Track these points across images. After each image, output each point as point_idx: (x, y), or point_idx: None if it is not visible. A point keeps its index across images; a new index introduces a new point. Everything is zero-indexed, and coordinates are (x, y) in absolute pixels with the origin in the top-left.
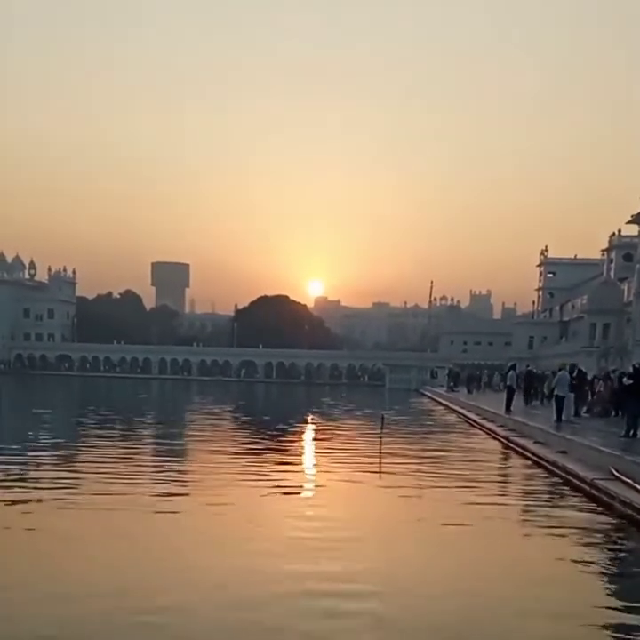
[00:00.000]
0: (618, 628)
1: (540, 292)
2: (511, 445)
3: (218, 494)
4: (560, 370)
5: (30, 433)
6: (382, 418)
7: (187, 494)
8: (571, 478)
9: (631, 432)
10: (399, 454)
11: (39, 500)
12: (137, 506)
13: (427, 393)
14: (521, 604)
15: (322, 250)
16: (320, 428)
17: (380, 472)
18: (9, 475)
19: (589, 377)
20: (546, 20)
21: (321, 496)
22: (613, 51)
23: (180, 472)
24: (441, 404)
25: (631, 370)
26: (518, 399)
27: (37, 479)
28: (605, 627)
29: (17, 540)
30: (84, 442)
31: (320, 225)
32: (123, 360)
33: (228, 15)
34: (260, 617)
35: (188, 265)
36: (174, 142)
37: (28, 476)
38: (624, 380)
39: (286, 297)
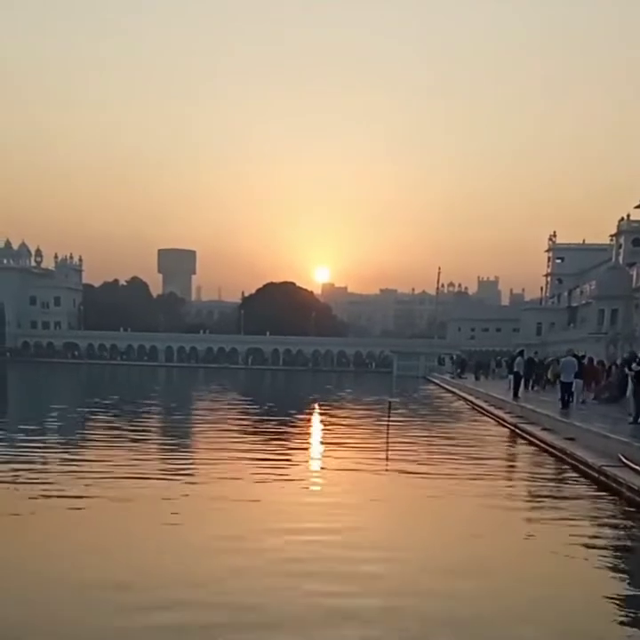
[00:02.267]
0: (622, 615)
1: (549, 278)
2: (519, 432)
3: (221, 481)
4: (567, 355)
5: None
6: (389, 405)
7: (193, 483)
8: (579, 465)
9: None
10: (406, 441)
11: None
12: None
13: (435, 380)
14: (525, 588)
15: (329, 236)
16: (327, 414)
17: (386, 459)
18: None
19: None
20: (555, 8)
21: (327, 482)
22: (624, 34)
23: (186, 462)
24: (449, 390)
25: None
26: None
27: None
28: (610, 613)
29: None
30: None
31: (327, 211)
32: (129, 348)
33: (232, 4)
34: None
35: (194, 252)
36: (180, 130)
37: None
38: (633, 365)
39: (293, 284)
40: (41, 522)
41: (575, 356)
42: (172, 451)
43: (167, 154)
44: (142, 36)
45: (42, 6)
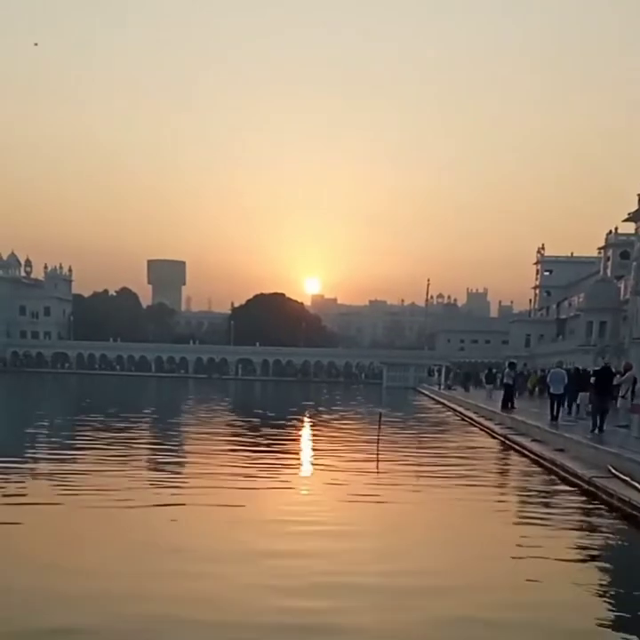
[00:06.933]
0: (613, 623)
1: (537, 290)
2: (509, 443)
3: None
4: (557, 367)
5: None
6: (380, 416)
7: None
8: (569, 476)
9: (597, 428)
10: (397, 452)
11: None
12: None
13: (424, 391)
14: (515, 599)
15: (319, 248)
16: (317, 425)
17: (377, 469)
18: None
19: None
20: (553, 13)
21: (317, 492)
22: (613, 49)
23: (177, 474)
24: (438, 402)
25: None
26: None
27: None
28: (602, 621)
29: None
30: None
31: (317, 223)
32: (119, 358)
33: (223, 13)
34: None
35: (184, 263)
36: (170, 140)
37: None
38: (591, 379)
39: (283, 295)
40: None
41: (578, 368)
42: (156, 464)
43: (157, 164)
44: (131, 41)
45: (35, 6)
